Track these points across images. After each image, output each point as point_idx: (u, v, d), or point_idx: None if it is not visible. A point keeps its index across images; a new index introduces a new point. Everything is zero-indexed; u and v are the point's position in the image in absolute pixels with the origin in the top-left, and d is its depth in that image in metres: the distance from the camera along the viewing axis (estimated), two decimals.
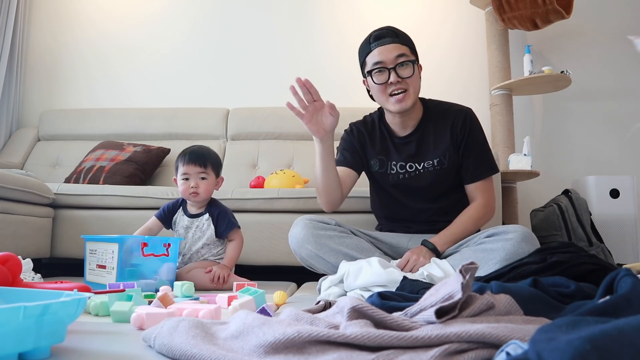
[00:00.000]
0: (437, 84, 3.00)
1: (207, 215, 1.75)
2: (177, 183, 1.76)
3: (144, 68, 3.16)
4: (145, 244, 1.56)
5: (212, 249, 1.77)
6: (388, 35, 1.49)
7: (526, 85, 2.69)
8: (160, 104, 3.08)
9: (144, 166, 2.55)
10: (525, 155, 2.48)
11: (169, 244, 1.62)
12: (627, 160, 2.95)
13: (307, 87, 1.37)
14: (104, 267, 1.59)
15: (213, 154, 1.78)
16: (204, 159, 1.72)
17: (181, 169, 1.72)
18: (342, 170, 1.62)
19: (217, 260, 1.77)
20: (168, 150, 2.72)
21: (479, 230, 1.59)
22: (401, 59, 1.46)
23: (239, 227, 1.78)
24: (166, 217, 1.79)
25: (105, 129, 2.92)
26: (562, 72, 2.55)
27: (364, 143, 1.65)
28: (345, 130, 1.71)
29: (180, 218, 1.78)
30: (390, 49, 1.47)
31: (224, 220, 1.74)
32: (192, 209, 1.78)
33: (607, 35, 3.03)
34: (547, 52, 3.04)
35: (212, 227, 1.74)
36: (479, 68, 3.01)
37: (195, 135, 2.88)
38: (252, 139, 2.88)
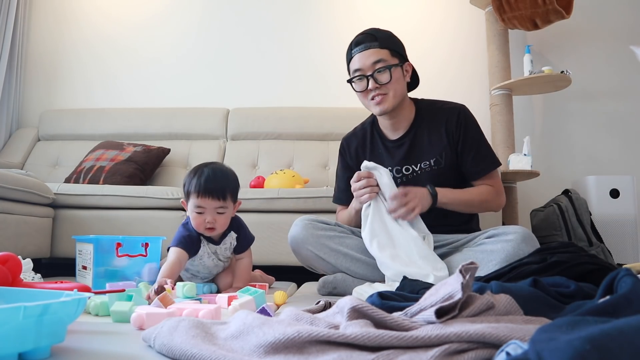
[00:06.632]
0: (437, 84, 3.00)
1: (233, 234, 1.52)
2: (186, 208, 1.45)
3: (144, 68, 3.16)
4: (119, 244, 1.51)
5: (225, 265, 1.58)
6: (367, 39, 1.46)
7: (526, 85, 2.69)
8: (160, 104, 3.07)
9: (144, 166, 2.55)
10: (525, 155, 2.47)
11: (147, 244, 1.56)
12: (627, 160, 2.95)
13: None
14: (85, 267, 1.56)
15: (231, 177, 1.48)
16: (223, 191, 1.40)
17: (194, 200, 1.39)
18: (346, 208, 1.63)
19: None
20: (168, 150, 2.72)
21: (478, 230, 1.58)
22: (378, 65, 1.44)
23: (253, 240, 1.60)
24: (189, 249, 1.42)
25: (105, 129, 2.92)
26: (562, 72, 2.55)
27: (357, 157, 1.64)
28: (339, 151, 1.70)
29: (204, 248, 1.48)
30: (367, 55, 1.45)
31: (245, 237, 1.55)
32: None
33: (607, 35, 3.03)
34: (547, 52, 3.03)
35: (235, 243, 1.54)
36: (479, 68, 3.01)
37: (195, 135, 2.88)
38: (252, 139, 2.88)
